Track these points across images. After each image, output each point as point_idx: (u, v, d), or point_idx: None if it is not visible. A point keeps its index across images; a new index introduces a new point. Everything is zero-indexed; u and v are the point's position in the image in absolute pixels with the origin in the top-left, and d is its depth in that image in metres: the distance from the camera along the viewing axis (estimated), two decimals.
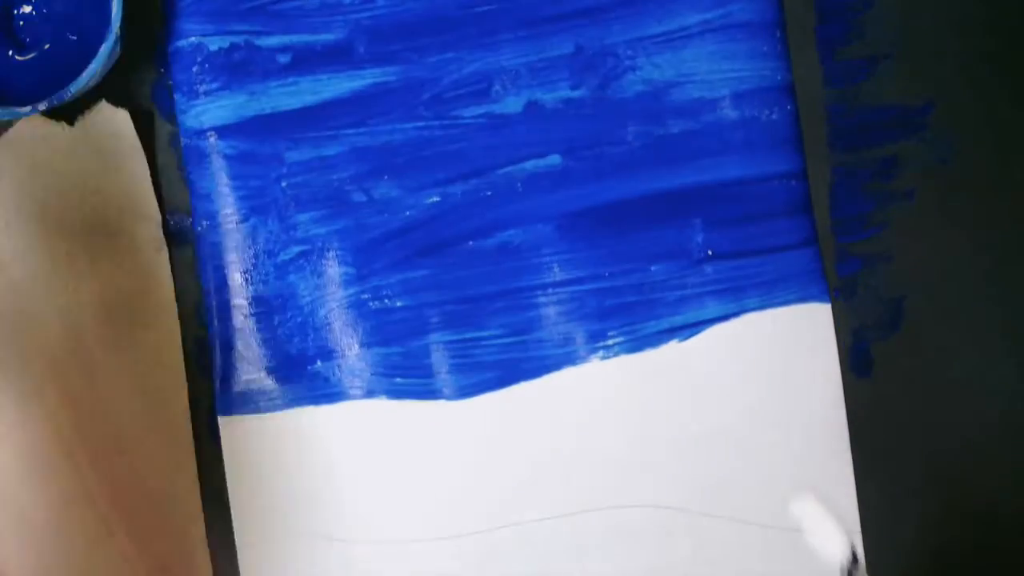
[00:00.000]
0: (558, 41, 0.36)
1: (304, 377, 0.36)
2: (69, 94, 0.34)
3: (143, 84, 0.37)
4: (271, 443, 0.36)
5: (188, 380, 0.37)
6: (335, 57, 0.36)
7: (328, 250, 0.36)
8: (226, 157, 0.36)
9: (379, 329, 0.36)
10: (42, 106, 0.34)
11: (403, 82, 0.36)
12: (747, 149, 0.36)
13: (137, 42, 0.37)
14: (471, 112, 0.37)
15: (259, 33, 0.36)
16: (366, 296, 0.36)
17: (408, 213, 0.36)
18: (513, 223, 0.36)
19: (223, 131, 0.36)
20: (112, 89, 0.37)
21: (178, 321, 0.37)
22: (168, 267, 0.37)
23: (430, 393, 0.36)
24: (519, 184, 0.36)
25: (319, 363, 0.36)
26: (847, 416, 0.36)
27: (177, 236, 0.37)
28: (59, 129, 0.37)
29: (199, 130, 0.36)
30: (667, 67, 0.36)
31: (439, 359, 0.36)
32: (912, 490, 0.37)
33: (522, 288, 0.36)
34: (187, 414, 0.37)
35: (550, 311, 0.36)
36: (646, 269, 0.36)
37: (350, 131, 0.36)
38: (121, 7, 0.34)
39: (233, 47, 0.36)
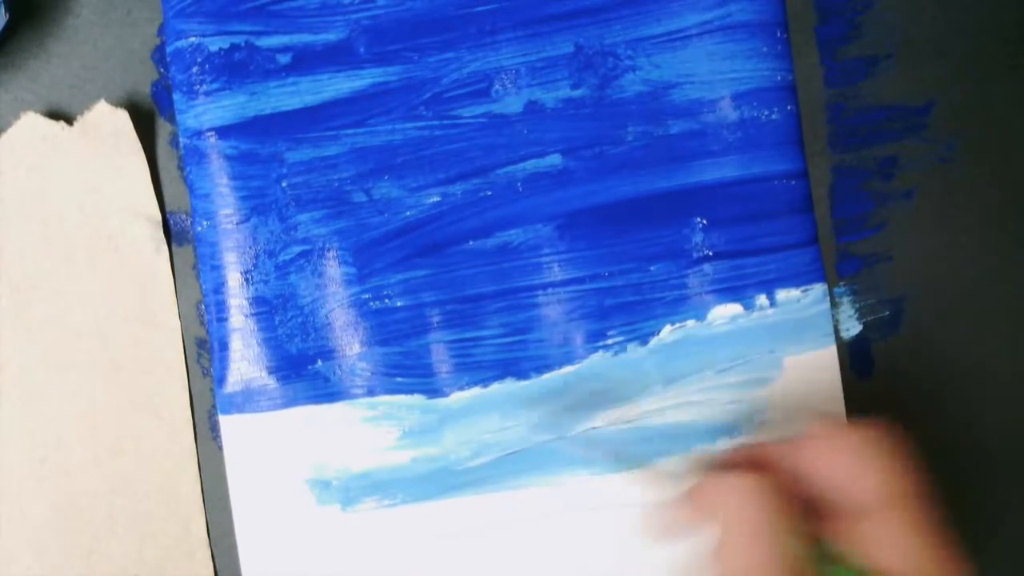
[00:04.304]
0: (558, 41, 0.36)
1: (305, 376, 0.36)
2: None
3: (143, 84, 0.37)
4: (272, 442, 0.36)
5: (188, 380, 0.37)
6: (335, 57, 0.36)
7: (328, 250, 0.36)
8: (226, 157, 0.36)
9: (380, 329, 0.36)
10: None
11: (403, 82, 0.36)
12: (747, 149, 0.36)
13: (133, 41, 0.37)
14: (471, 112, 0.37)
15: (259, 33, 0.36)
16: (367, 296, 0.36)
17: (408, 213, 0.37)
18: (513, 223, 0.36)
19: (223, 131, 0.36)
20: (112, 89, 0.37)
21: (178, 321, 0.37)
22: (168, 267, 0.37)
23: (431, 392, 0.36)
24: (519, 184, 0.37)
25: (320, 363, 0.36)
26: (847, 416, 0.36)
27: (177, 236, 0.37)
28: (59, 129, 0.37)
29: (199, 130, 0.36)
30: (667, 67, 0.36)
31: (439, 358, 0.36)
32: None
33: (522, 288, 0.36)
34: (187, 414, 0.37)
35: (550, 311, 0.36)
36: (645, 269, 0.36)
37: (350, 131, 0.36)
38: None
39: (233, 47, 0.36)
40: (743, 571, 0.26)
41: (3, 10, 0.35)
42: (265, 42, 0.36)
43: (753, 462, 0.29)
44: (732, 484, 0.27)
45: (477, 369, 0.36)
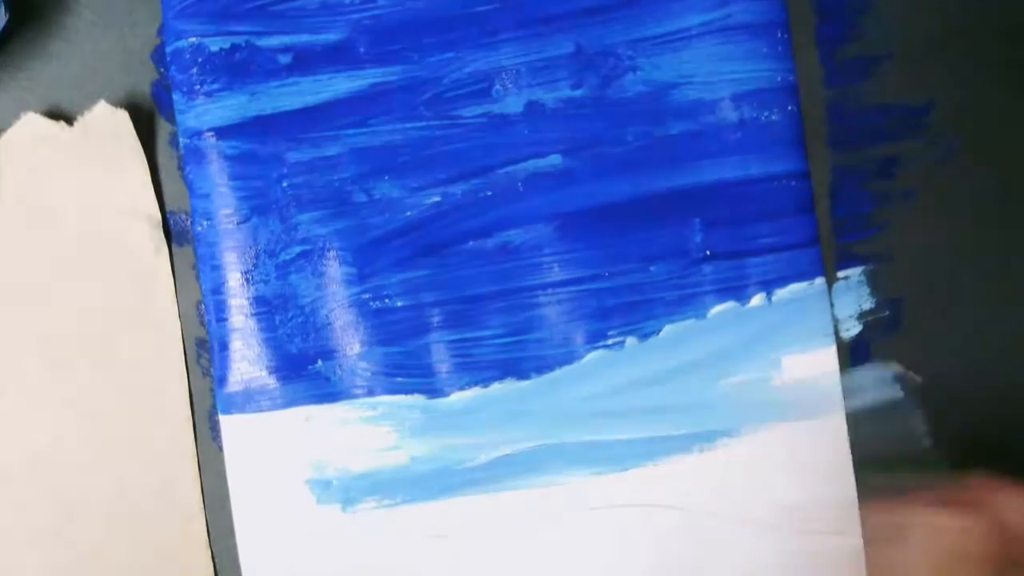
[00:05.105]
0: (558, 41, 0.36)
1: (305, 376, 0.36)
2: None
3: (143, 84, 0.37)
4: (272, 442, 0.36)
5: (188, 380, 0.37)
6: (336, 57, 0.36)
7: (329, 250, 0.36)
8: (227, 157, 0.36)
9: (380, 329, 0.36)
10: None
11: (404, 82, 0.36)
12: (747, 150, 0.36)
13: (133, 41, 0.37)
14: (471, 112, 0.37)
15: (260, 33, 0.36)
16: (367, 296, 0.36)
17: (409, 213, 0.37)
18: (513, 223, 0.37)
19: (223, 131, 0.36)
20: (112, 89, 0.37)
21: (178, 321, 0.37)
22: (168, 267, 0.37)
23: (431, 392, 0.36)
24: (519, 184, 0.37)
25: (320, 363, 0.36)
26: (847, 416, 0.36)
27: (177, 236, 0.37)
28: (59, 129, 0.37)
29: (199, 130, 0.36)
30: (667, 68, 0.36)
31: (439, 358, 0.36)
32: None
33: (522, 288, 0.37)
34: (187, 414, 0.37)
35: (550, 311, 0.36)
36: (645, 269, 0.36)
37: (351, 131, 0.36)
38: None
39: (234, 47, 0.36)
40: None
41: (3, 10, 0.35)
42: (265, 42, 0.36)
43: (957, 500, 0.29)
44: (956, 522, 0.28)
45: (477, 369, 0.36)
